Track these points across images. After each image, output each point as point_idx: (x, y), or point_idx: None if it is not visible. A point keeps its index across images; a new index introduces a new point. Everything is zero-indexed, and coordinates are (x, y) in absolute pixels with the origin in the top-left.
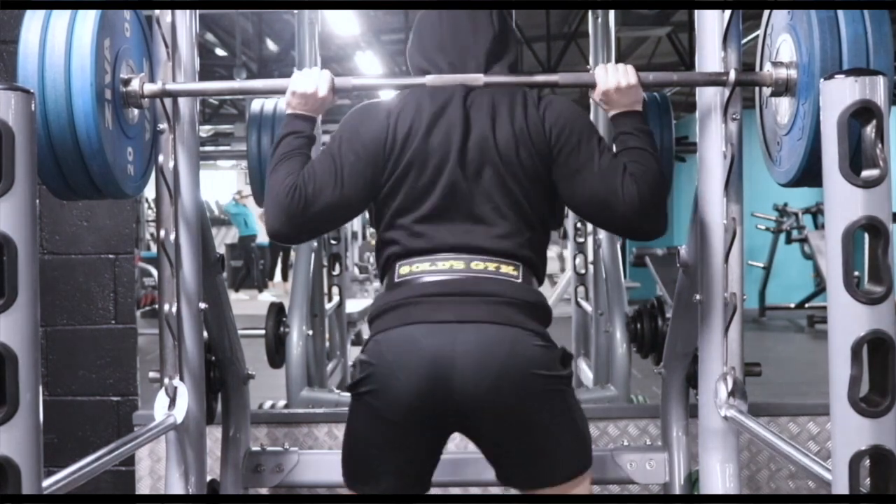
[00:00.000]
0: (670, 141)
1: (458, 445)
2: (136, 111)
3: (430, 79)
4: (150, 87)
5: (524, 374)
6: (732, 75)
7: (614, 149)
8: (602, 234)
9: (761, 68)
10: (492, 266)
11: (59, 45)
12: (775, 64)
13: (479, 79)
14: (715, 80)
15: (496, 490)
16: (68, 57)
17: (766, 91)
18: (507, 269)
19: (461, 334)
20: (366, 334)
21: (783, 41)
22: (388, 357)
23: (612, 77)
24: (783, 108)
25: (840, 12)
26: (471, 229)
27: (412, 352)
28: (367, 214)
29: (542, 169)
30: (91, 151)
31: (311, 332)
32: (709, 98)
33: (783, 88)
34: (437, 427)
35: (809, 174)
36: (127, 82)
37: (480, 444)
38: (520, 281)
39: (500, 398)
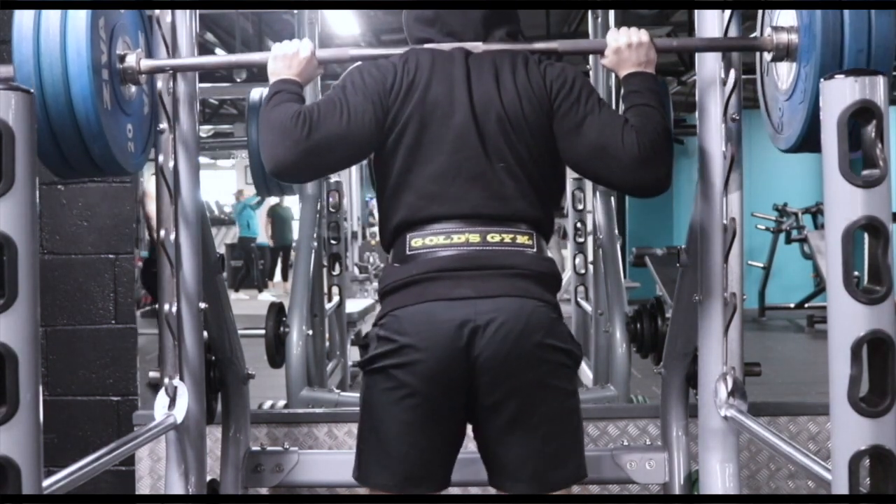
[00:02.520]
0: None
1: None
2: (133, 87)
3: (427, 48)
4: (147, 63)
5: (541, 343)
6: (734, 34)
7: (621, 109)
8: (602, 234)
9: (762, 34)
10: (507, 237)
11: (53, 27)
12: (776, 28)
13: (477, 46)
14: (716, 46)
15: (495, 490)
16: (63, 38)
17: (767, 57)
18: (522, 238)
19: (480, 307)
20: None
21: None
22: (409, 331)
23: (624, 34)
24: (784, 72)
25: None
26: (484, 191)
27: (433, 326)
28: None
29: (546, 123)
30: (91, 134)
31: (310, 332)
32: (709, 97)
33: (784, 53)
34: (457, 397)
35: (810, 140)
36: (123, 58)
37: (489, 422)
38: (534, 251)
39: (518, 365)
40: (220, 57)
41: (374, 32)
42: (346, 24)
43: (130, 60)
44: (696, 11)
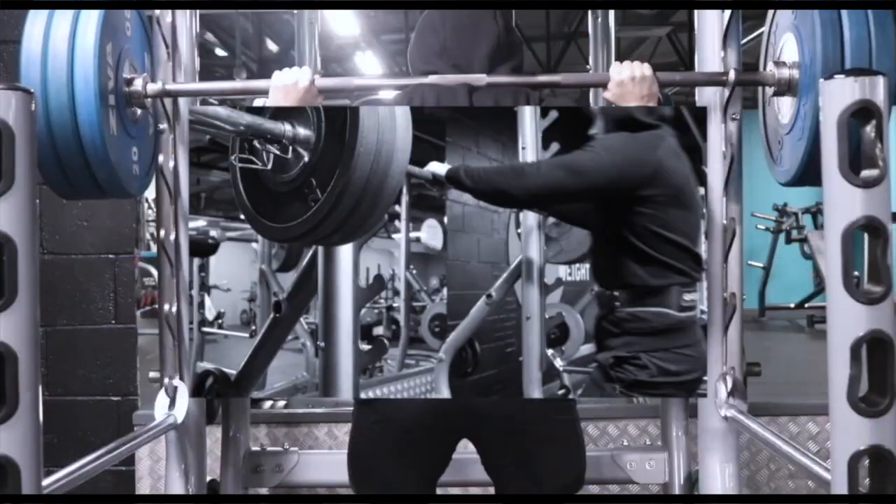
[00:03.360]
0: None
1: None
2: (139, 110)
3: (432, 79)
4: (152, 87)
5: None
6: (733, 75)
7: None
8: None
9: (765, 67)
10: None
11: (61, 54)
12: (778, 63)
13: (481, 79)
14: (716, 80)
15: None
16: (71, 66)
17: (769, 90)
18: None
19: None
20: None
21: (786, 41)
22: None
23: (627, 68)
24: (785, 107)
25: (844, 13)
26: None
27: None
28: None
29: None
30: (97, 159)
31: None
32: (708, 98)
33: (785, 88)
34: (446, 432)
35: (809, 174)
36: (130, 82)
37: (486, 451)
38: None
39: (517, 404)
40: (224, 83)
41: (374, 32)
42: (345, 24)
43: (137, 84)
44: (696, 12)
